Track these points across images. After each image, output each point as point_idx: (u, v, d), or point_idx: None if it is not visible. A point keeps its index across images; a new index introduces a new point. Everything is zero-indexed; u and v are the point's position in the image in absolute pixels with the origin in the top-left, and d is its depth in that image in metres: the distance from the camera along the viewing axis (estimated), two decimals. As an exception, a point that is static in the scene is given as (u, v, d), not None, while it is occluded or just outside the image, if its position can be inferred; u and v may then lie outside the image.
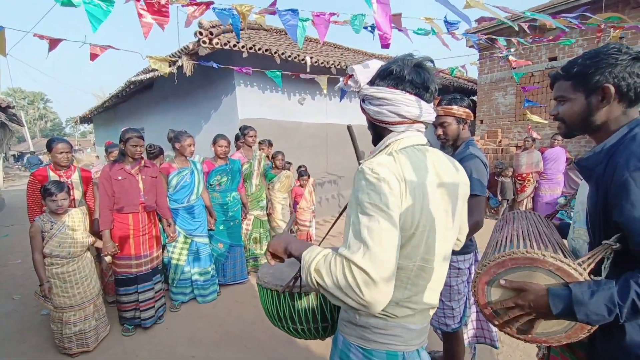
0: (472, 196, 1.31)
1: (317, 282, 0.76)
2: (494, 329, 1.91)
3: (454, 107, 1.66)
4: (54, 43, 2.36)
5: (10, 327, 2.78)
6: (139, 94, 8.35)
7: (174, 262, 2.97)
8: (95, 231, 2.56)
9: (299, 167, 4.57)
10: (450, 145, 1.74)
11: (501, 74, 7.17)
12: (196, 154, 3.59)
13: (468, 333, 1.90)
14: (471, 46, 7.22)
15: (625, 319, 0.77)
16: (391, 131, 0.90)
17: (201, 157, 3.44)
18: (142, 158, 2.62)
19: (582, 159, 0.94)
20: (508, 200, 5.84)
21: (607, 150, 0.87)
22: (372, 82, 0.91)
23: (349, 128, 1.23)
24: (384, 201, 0.75)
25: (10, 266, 4.30)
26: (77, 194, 2.76)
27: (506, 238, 0.99)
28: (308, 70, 4.76)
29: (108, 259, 2.75)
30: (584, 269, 0.81)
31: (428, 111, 0.89)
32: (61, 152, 2.66)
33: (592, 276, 0.81)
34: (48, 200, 2.26)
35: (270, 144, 4.35)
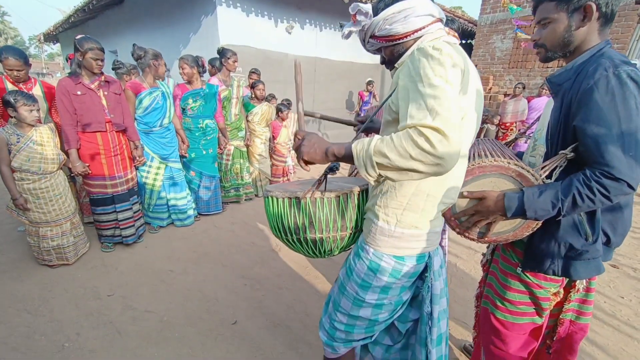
0: None
1: (379, 164, 0.74)
2: (446, 252, 2.08)
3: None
4: None
5: (-13, 241, 2.82)
6: (109, 10, 7.47)
7: (148, 187, 2.94)
8: (65, 150, 2.48)
9: (283, 100, 4.41)
10: None
11: (503, 14, 6.72)
12: (170, 78, 3.37)
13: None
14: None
15: (565, 213, 0.89)
16: (419, 37, 0.89)
17: (174, 80, 3.22)
18: (102, 73, 2.42)
19: (553, 75, 1.01)
20: (488, 148, 5.95)
21: (577, 68, 0.94)
22: (377, 11, 0.90)
23: (296, 63, 1.05)
24: (447, 71, 0.74)
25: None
26: (41, 110, 2.59)
27: (474, 155, 1.05)
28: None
29: (79, 179, 2.71)
30: (540, 175, 0.94)
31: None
32: (11, 70, 2.43)
33: (545, 179, 0.94)
34: (22, 110, 2.12)
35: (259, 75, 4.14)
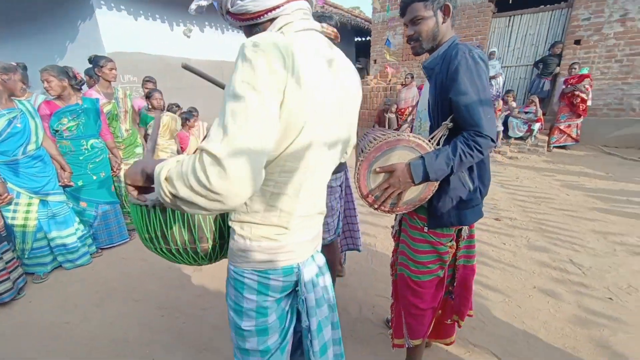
0: None
1: (170, 192, 0.63)
2: (359, 236, 2.22)
3: (323, 24, 1.62)
4: None
5: None
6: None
7: (19, 229, 2.41)
8: None
9: (189, 108, 4.14)
10: None
11: (392, 13, 7.40)
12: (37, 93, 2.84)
13: (340, 243, 2.15)
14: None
15: (455, 170, 1.12)
16: (275, 18, 0.78)
17: (38, 95, 2.71)
18: None
19: (426, 62, 1.26)
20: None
21: (442, 55, 1.19)
22: None
23: (186, 67, 1.11)
24: (259, 76, 0.62)
25: None
26: None
27: (374, 138, 1.18)
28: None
29: None
30: (432, 144, 1.15)
31: None
32: None
33: (436, 147, 1.16)
34: None
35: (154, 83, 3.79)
